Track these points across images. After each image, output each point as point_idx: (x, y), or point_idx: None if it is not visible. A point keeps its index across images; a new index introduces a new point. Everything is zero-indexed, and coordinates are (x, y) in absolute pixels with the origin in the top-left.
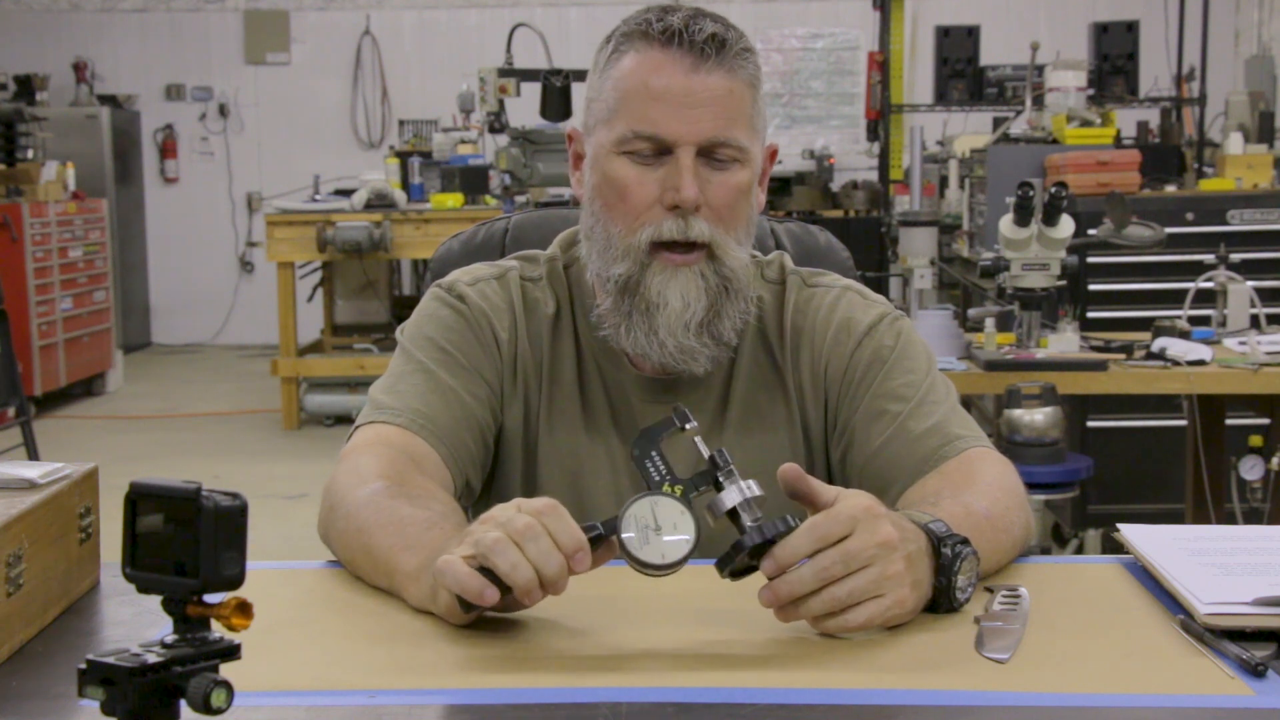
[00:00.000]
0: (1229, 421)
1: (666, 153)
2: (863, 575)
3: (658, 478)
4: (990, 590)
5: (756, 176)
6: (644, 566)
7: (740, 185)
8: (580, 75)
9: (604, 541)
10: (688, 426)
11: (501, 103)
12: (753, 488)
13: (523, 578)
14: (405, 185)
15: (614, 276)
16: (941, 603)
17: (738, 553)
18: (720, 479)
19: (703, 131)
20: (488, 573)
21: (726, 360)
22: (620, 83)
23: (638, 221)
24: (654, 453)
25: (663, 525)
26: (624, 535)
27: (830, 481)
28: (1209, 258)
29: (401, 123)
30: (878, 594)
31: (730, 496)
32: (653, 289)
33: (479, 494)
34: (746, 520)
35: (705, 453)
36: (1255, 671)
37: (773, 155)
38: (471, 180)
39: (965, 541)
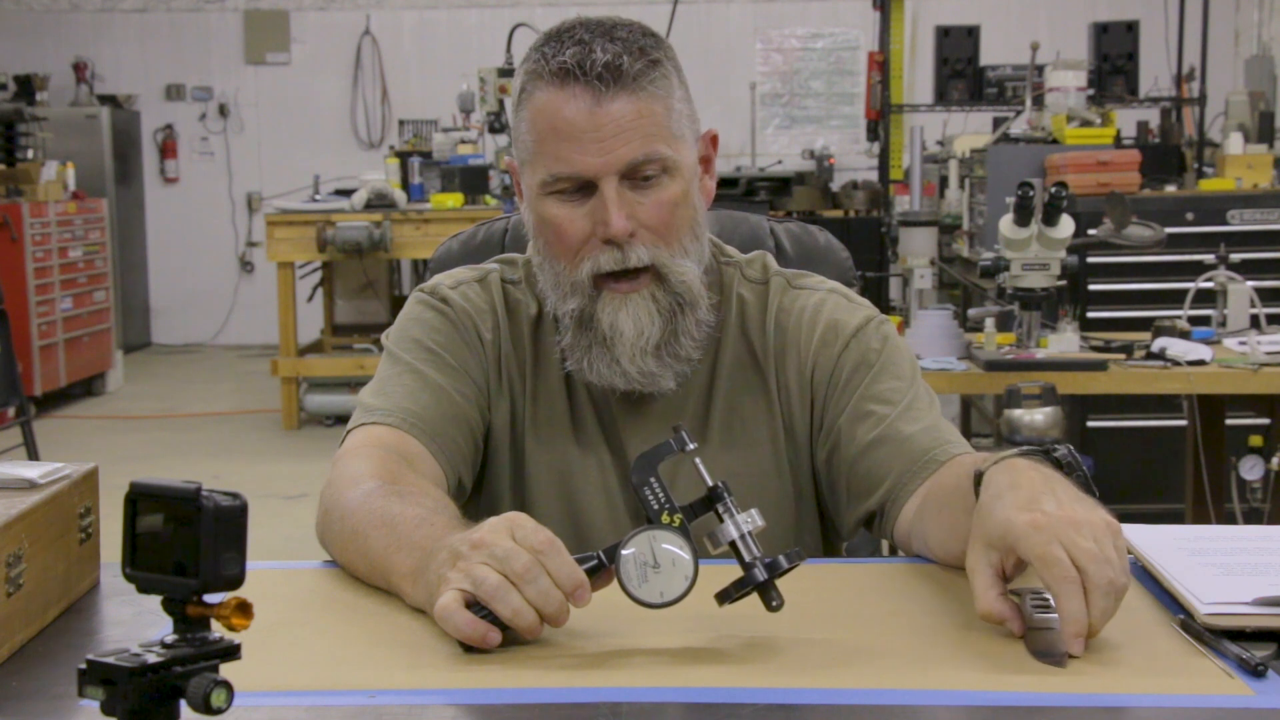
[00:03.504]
0: (1229, 421)
1: (592, 186)
2: (1102, 554)
3: (656, 506)
4: (1017, 595)
5: (692, 179)
6: (642, 605)
7: (673, 198)
8: None
9: (602, 571)
10: (688, 449)
11: (501, 103)
12: (754, 518)
13: (525, 622)
14: (405, 185)
15: (569, 312)
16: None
17: (741, 589)
18: (719, 511)
19: (620, 159)
20: (485, 608)
21: (708, 360)
22: (532, 125)
23: (577, 258)
24: (652, 479)
25: (661, 562)
26: (622, 574)
27: (814, 480)
28: (1209, 258)
29: (401, 123)
30: (1115, 544)
31: (730, 530)
32: (604, 320)
33: (470, 493)
34: (746, 555)
35: (708, 480)
36: (1255, 671)
37: (714, 141)
38: (471, 180)
39: (1041, 449)
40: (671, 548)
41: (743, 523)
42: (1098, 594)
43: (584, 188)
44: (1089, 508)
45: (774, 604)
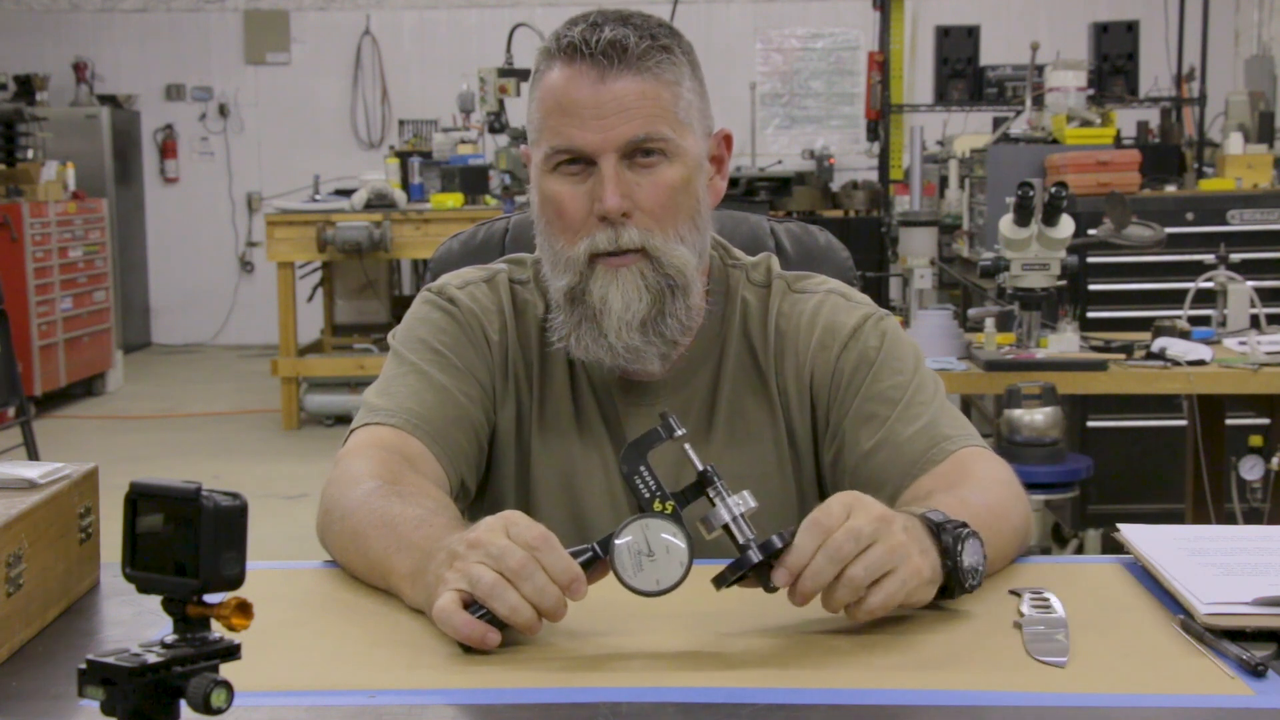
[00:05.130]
0: (1229, 421)
1: (594, 164)
2: (872, 551)
3: (648, 495)
4: (1017, 594)
5: (695, 169)
6: (639, 593)
7: (671, 182)
8: None
9: (598, 562)
10: (676, 435)
11: (501, 103)
12: (746, 499)
13: (523, 619)
14: (405, 185)
15: (561, 289)
16: (954, 586)
17: (737, 571)
18: (711, 496)
19: (620, 136)
20: (484, 607)
21: (712, 362)
22: (540, 103)
23: (575, 235)
24: (642, 468)
25: (655, 550)
26: (617, 564)
27: (819, 485)
28: (1209, 258)
29: (401, 123)
30: (891, 567)
31: (723, 513)
32: (595, 294)
33: (474, 495)
34: (739, 537)
35: (698, 465)
36: (1255, 671)
37: (728, 141)
38: (471, 180)
39: (964, 525)
40: (665, 535)
41: (735, 505)
42: (825, 555)
43: (586, 166)
44: (921, 548)
45: (770, 585)
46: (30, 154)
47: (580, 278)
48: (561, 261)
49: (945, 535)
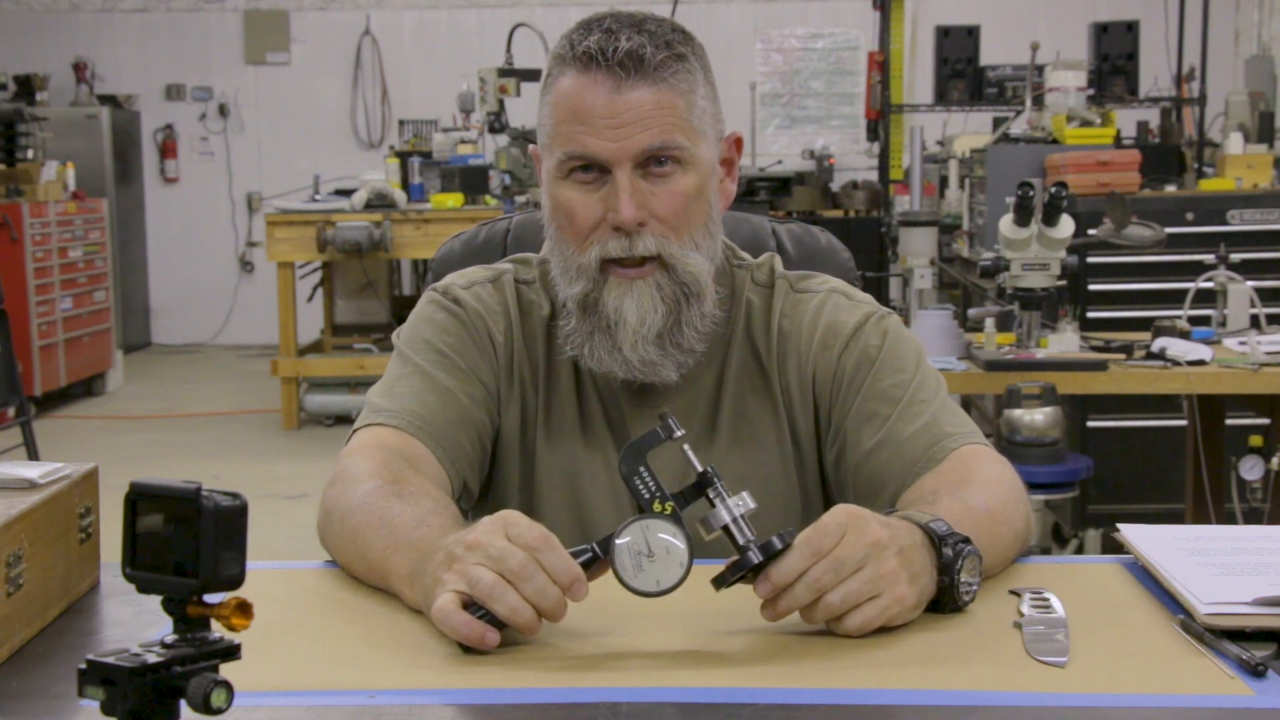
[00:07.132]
0: (1229, 421)
1: (608, 172)
2: (855, 579)
3: (647, 495)
4: (1017, 594)
5: (708, 175)
6: (639, 594)
7: (686, 191)
8: None
9: (598, 562)
10: (675, 436)
11: (501, 103)
12: (746, 500)
13: (523, 620)
14: (405, 185)
15: (573, 296)
16: (945, 602)
17: (736, 573)
18: (711, 497)
19: (635, 145)
20: (483, 608)
21: (716, 363)
22: (554, 109)
23: (586, 242)
24: (642, 469)
25: (655, 550)
26: (617, 564)
27: (823, 484)
28: (1209, 258)
29: (401, 123)
30: (874, 594)
31: (723, 514)
32: (609, 305)
33: (477, 497)
34: (739, 538)
35: (698, 466)
36: (1255, 671)
37: (738, 144)
38: (471, 180)
39: (966, 540)
40: (665, 536)
41: (734, 506)
42: (804, 583)
43: (599, 174)
44: (913, 573)
45: None
46: (30, 154)
47: (593, 285)
48: (573, 268)
49: (946, 549)
